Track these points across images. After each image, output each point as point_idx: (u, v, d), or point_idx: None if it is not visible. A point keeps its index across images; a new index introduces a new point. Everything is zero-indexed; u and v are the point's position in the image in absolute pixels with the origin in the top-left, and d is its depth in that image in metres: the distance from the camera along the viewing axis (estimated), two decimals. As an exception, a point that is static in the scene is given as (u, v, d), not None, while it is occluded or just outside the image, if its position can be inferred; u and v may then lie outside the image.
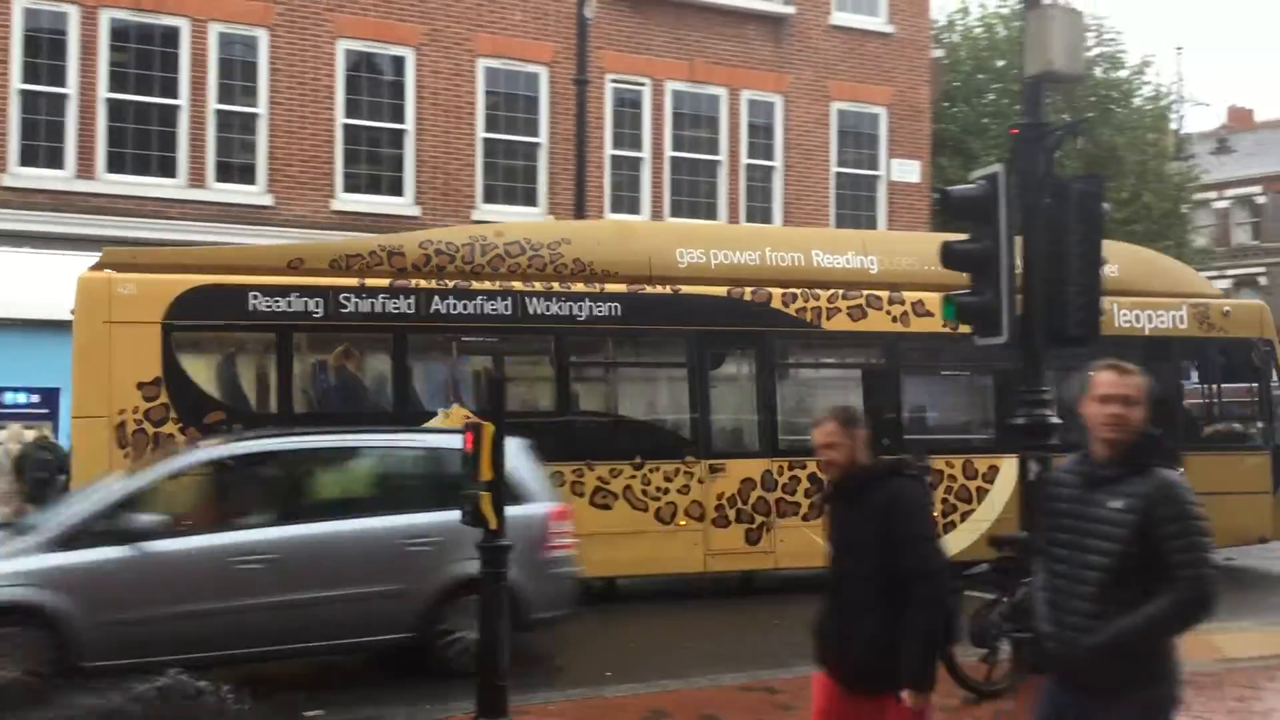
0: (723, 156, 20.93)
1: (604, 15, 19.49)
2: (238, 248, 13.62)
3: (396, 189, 18.61)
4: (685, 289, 12.75)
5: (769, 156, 21.39)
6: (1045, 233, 9.01)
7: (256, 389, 11.85)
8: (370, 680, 8.97)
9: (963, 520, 13.18)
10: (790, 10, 21.41)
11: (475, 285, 12.07)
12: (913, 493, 4.30)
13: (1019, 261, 9.08)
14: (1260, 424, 14.96)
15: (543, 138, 19.40)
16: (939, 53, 24.95)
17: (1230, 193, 46.24)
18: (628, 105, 20.25)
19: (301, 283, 11.47)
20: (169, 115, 17.35)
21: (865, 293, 13.39)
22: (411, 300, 11.81)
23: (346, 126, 18.28)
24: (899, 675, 4.10)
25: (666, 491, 12.35)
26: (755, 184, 21.31)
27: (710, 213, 20.73)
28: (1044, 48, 8.70)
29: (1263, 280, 45.46)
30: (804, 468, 12.61)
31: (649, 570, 11.58)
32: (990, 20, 30.70)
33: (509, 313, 12.08)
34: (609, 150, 19.92)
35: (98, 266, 11.20)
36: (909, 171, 22.30)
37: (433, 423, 11.54)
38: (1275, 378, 14.89)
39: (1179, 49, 32.41)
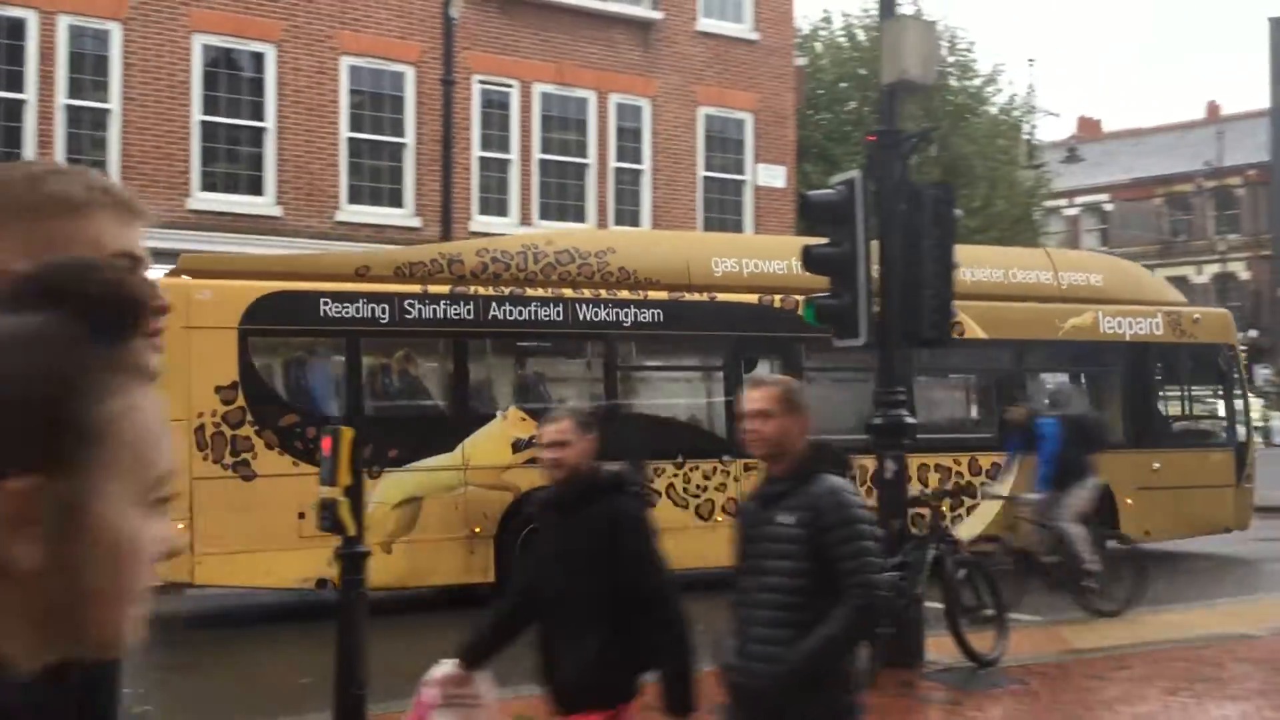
0: (591, 160, 20.93)
1: (470, 16, 19.32)
2: (308, 255, 13.81)
3: (257, 188, 18.13)
4: (721, 296, 13.29)
5: (637, 160, 21.47)
6: (901, 237, 9.22)
7: (328, 391, 12.12)
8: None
9: (968, 512, 13.86)
10: (657, 15, 21.53)
11: (529, 292, 12.53)
12: (637, 509, 4.06)
13: (877, 265, 9.29)
14: (1225, 422, 16.09)
15: (409, 138, 19.13)
16: (803, 60, 25.36)
17: (1080, 200, 48.03)
18: (495, 107, 20.11)
19: (368, 289, 11.79)
20: (15, 110, 16.64)
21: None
22: (470, 306, 12.23)
23: (203, 123, 17.76)
24: (614, 696, 3.84)
25: (705, 489, 12.85)
26: (624, 187, 21.36)
27: (579, 215, 20.72)
28: (899, 56, 8.90)
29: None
30: None
31: (689, 564, 11.42)
32: (852, 29, 31.34)
33: (560, 318, 12.61)
34: (476, 152, 19.74)
35: (174, 272, 11.28)
36: (775, 177, 22.61)
37: (490, 424, 12.10)
38: (1238, 380, 16.22)
39: (1030, 60, 33.59)
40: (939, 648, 9.21)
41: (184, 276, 11.26)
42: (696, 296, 13.13)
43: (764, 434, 3.73)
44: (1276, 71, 42.11)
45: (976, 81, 32.82)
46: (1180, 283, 45.25)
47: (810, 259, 9.39)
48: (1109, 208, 47.49)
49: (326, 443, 6.82)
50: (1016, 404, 13.02)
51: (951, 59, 32.59)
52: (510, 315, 12.40)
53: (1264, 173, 42.81)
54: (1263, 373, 41.20)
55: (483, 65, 19.87)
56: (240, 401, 11.15)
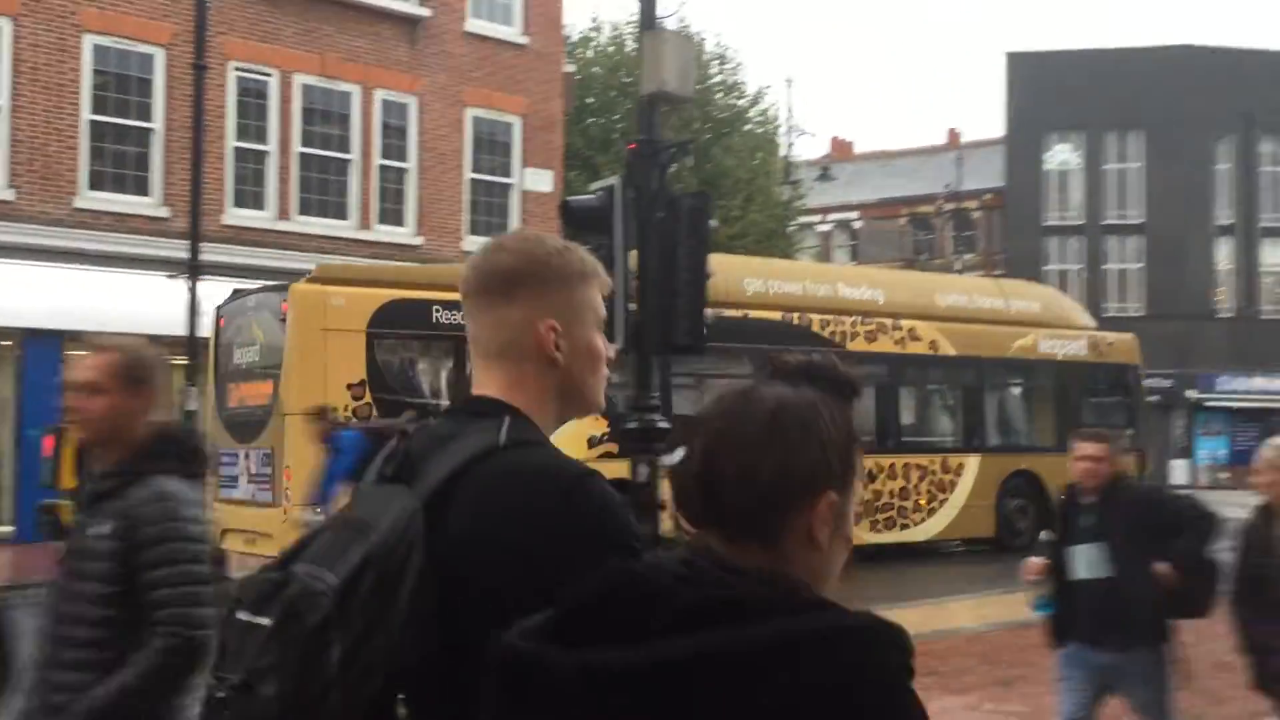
0: (355, 156, 20.44)
1: (228, 0, 18.57)
2: (423, 267, 15.67)
3: (-14, 170, 16.89)
4: (751, 313, 15.34)
5: (403, 158, 21.10)
6: (658, 245, 9.38)
7: (439, 389, 13.54)
8: None
9: (940, 506, 16.86)
10: (425, 13, 21.22)
11: None
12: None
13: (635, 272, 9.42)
14: (1130, 430, 18.21)
15: (158, 124, 18.19)
16: (572, 67, 25.50)
17: (832, 217, 50.07)
18: (253, 96, 19.37)
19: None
20: None
21: (876, 320, 16.69)
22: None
23: (-74, 97, 16.40)
24: None
25: None
26: (388, 185, 20.95)
27: (340, 212, 20.20)
28: (658, 68, 9.05)
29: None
30: None
31: None
32: (621, 38, 31.75)
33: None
34: (231, 142, 18.96)
35: (312, 279, 13.00)
36: (542, 181, 22.65)
37: (569, 422, 12.56)
38: (1139, 394, 19.54)
39: (789, 81, 34.72)
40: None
41: (319, 284, 12.91)
42: (732, 313, 14.81)
43: (88, 413, 2.90)
44: (1011, 102, 45.09)
45: (742, 102, 33.79)
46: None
47: (568, 264, 9.42)
48: (858, 225, 49.75)
49: (48, 443, 6.39)
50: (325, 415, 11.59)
51: (719, 77, 33.49)
52: None
53: (998, 197, 45.77)
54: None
55: (240, 52, 19.10)
56: (367, 398, 12.70)
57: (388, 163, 20.88)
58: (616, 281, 9.18)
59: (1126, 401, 19.24)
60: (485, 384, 1.74)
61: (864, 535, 15.37)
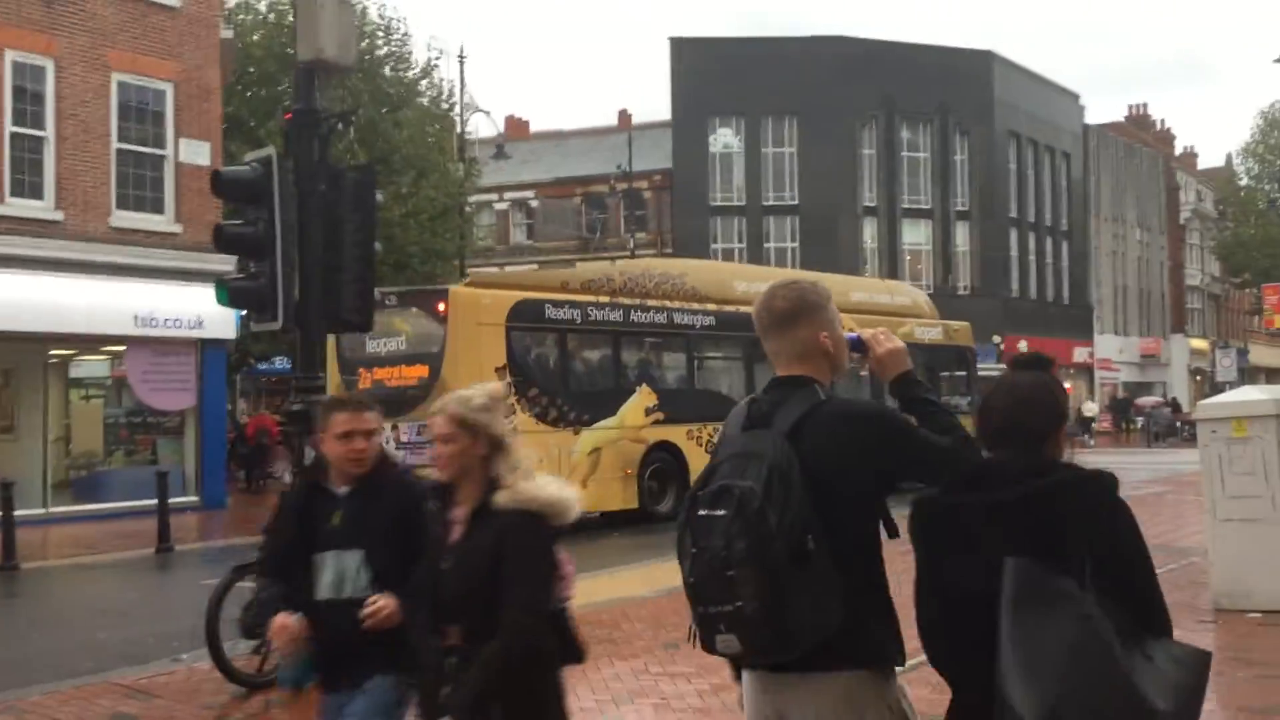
0: (-20, 121, 18.57)
1: None
2: (540, 272, 19.02)
3: None
4: (743, 308, 16.99)
5: (39, 126, 19.37)
6: (321, 219, 8.99)
7: (551, 371, 17.47)
8: None
9: None
10: (62, -32, 19.51)
11: (642, 302, 18.67)
12: None
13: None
14: (967, 398, 23.06)
15: None
16: (230, 33, 24.16)
17: (509, 195, 50.16)
18: None
19: (567, 298, 17.68)
20: None
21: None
22: (620, 312, 18.28)
23: None
24: None
25: None
26: (23, 154, 19.19)
27: (-34, 183, 18.30)
28: (315, 35, 8.66)
29: (536, 276, 50.00)
30: None
31: None
32: (282, 6, 30.41)
33: (664, 321, 18.96)
34: None
35: (469, 283, 17.57)
36: (198, 153, 21.38)
37: (632, 398, 18.04)
38: (975, 370, 24.83)
39: (462, 56, 34.37)
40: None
41: (473, 287, 17.36)
42: (735, 308, 18.68)
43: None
44: (676, 87, 46.59)
45: (412, 74, 33.15)
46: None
47: (222, 238, 8.91)
48: (534, 204, 50.08)
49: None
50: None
51: (386, 49, 32.70)
52: (640, 319, 18.65)
53: (667, 178, 47.30)
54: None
55: None
56: (507, 378, 15.64)
57: (21, 130, 19.11)
58: (276, 256, 8.75)
59: (966, 376, 24.54)
60: (790, 369, 2.94)
61: None
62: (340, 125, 9.91)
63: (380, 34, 32.44)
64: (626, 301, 18.42)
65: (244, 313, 11.23)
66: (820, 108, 46.30)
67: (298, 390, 9.12)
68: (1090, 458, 33.51)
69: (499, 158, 34.86)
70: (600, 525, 16.81)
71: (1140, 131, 67.83)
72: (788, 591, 2.61)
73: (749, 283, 20.29)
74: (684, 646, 8.53)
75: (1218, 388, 51.69)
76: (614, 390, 18.08)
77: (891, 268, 47.14)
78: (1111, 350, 58.10)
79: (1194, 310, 69.77)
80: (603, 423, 17.64)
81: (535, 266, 49.60)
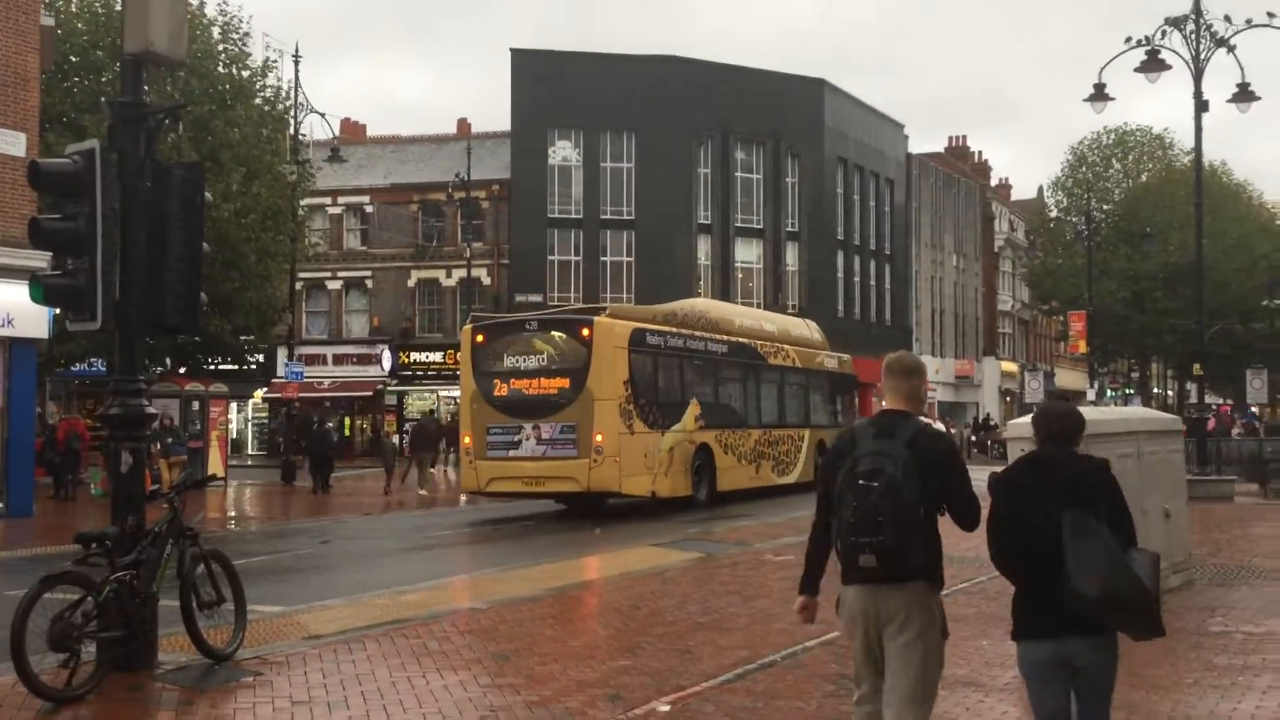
0: None
1: None
2: (649, 308, 24.83)
3: None
4: (741, 340, 26.10)
5: None
6: (145, 217, 8.62)
7: (650, 385, 21.94)
8: None
9: (796, 461, 27.54)
10: None
11: (692, 333, 24.04)
12: None
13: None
14: (854, 419, 28.34)
15: None
16: (50, 20, 23.02)
17: (343, 200, 49.15)
18: None
19: (664, 329, 23.02)
20: None
21: (775, 345, 27.76)
22: (682, 340, 23.38)
23: None
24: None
25: (785, 445, 26.93)
26: None
27: None
28: (144, 26, 8.30)
29: (369, 283, 49.03)
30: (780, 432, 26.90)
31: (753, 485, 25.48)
32: (109, -6, 29.20)
33: (723, 349, 24.95)
34: None
35: (610, 314, 22.03)
36: (13, 144, 20.27)
37: (689, 408, 23.05)
38: (855, 396, 32.00)
39: (297, 56, 33.51)
40: (175, 646, 8.78)
41: (611, 318, 21.69)
42: (739, 340, 25.97)
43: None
44: (516, 98, 46.46)
45: (247, 74, 32.21)
46: (433, 285, 48.22)
47: (39, 232, 8.45)
48: (369, 209, 49.21)
49: None
50: None
51: (224, 46, 31.70)
52: (693, 346, 23.80)
53: (505, 188, 47.08)
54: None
55: None
56: (629, 391, 21.05)
57: None
58: (96, 254, 8.34)
59: (852, 399, 31.57)
60: (898, 405, 4.92)
61: (774, 478, 26.08)
62: (168, 120, 9.53)
63: (216, 29, 31.42)
64: (689, 333, 23.78)
65: (58, 311, 10.67)
66: (658, 126, 46.82)
67: (115, 394, 8.71)
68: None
69: (333, 160, 34.13)
70: (657, 507, 21.64)
71: (959, 162, 70.78)
72: (906, 535, 4.61)
73: (746, 319, 28.10)
74: (513, 659, 8.50)
75: (1026, 408, 54.19)
76: (680, 402, 22.82)
77: (724, 284, 47.93)
78: (929, 370, 60.31)
79: (1005, 334, 73.02)
80: (675, 427, 22.46)
81: (370, 274, 48.68)
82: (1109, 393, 64.87)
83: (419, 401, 48.25)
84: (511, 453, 20.91)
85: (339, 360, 48.64)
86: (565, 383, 20.75)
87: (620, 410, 20.79)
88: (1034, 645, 4.71)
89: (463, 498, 26.58)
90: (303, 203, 35.52)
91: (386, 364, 47.67)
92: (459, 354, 24.54)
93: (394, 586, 12.27)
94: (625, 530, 19.14)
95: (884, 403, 5.02)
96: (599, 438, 20.55)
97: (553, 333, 21.31)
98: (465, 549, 17.59)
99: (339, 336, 49.32)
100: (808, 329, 31.24)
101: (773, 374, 27.42)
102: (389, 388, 47.93)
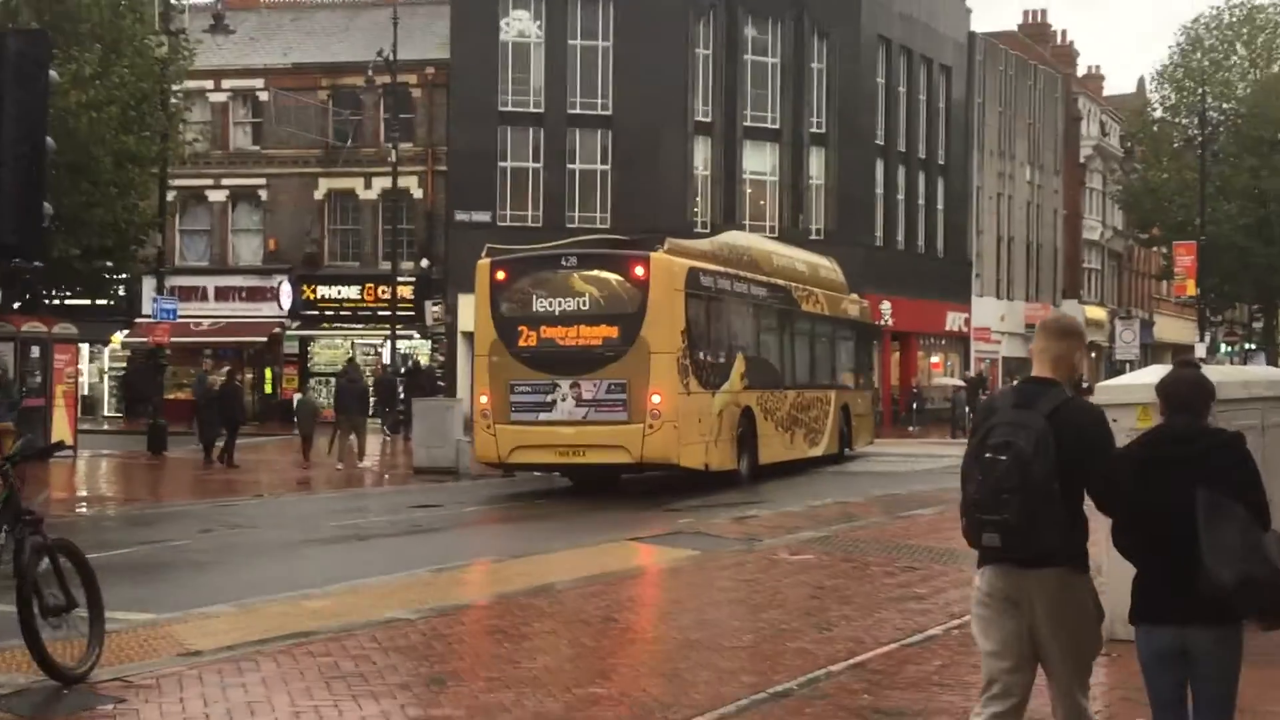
0: None
1: None
2: (693, 243, 26.64)
3: None
4: (778, 282, 28.43)
5: None
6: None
7: (703, 336, 23.53)
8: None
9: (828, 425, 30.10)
10: None
11: (753, 276, 26.58)
12: None
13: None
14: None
15: None
16: None
17: (229, 84, 48.69)
18: None
19: (718, 269, 24.75)
20: None
21: (807, 289, 29.94)
22: (733, 283, 25.20)
23: None
24: None
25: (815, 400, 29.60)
26: None
27: None
28: None
29: (264, 195, 48.72)
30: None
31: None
32: None
33: (763, 293, 27.09)
34: None
35: (669, 250, 22.99)
36: None
37: (735, 365, 24.73)
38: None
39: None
40: (11, 664, 8.77)
41: (670, 255, 22.91)
42: (774, 281, 28.06)
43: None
44: (459, -45, 46.03)
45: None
46: (347, 199, 48.01)
47: None
48: (264, 97, 48.74)
49: None
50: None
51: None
52: (744, 290, 25.87)
53: (442, 73, 46.69)
54: (433, 310, 45.18)
55: None
56: (685, 344, 22.43)
57: None
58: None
59: (872, 356, 36.05)
60: (1044, 371, 5.70)
61: (806, 449, 28.09)
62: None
63: None
64: (736, 273, 25.37)
65: None
66: (644, -8, 46.51)
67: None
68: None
69: (217, 32, 33.89)
70: (648, 487, 23.36)
71: (1036, 45, 70.68)
72: (1036, 514, 5.27)
73: (780, 256, 29.84)
74: (451, 684, 8.53)
75: (1116, 367, 54.55)
76: (728, 357, 24.39)
77: (728, 201, 47.86)
78: (991, 317, 60.52)
79: (1091, 271, 73.32)
80: (724, 386, 23.91)
81: (265, 182, 48.40)
82: (1224, 348, 65.35)
83: (327, 350, 48.14)
84: (543, 416, 21.99)
85: (223, 295, 48.43)
86: (613, 331, 21.95)
87: (678, 366, 22.02)
88: (1153, 631, 5.42)
89: (385, 477, 26.55)
90: (176, 88, 35.19)
91: (286, 300, 47.50)
92: (468, 298, 26.51)
93: (298, 589, 12.29)
94: (599, 519, 19.25)
95: (1032, 369, 5.79)
96: (656, 398, 21.68)
97: (598, 271, 22.49)
98: (392, 541, 17.69)
99: (223, 264, 49.08)
100: (831, 268, 33.32)
101: (805, 324, 29.33)
102: (289, 331, 47.80)
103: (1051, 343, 5.74)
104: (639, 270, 22.01)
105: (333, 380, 39.16)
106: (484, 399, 22.41)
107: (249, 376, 48.35)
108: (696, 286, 23.12)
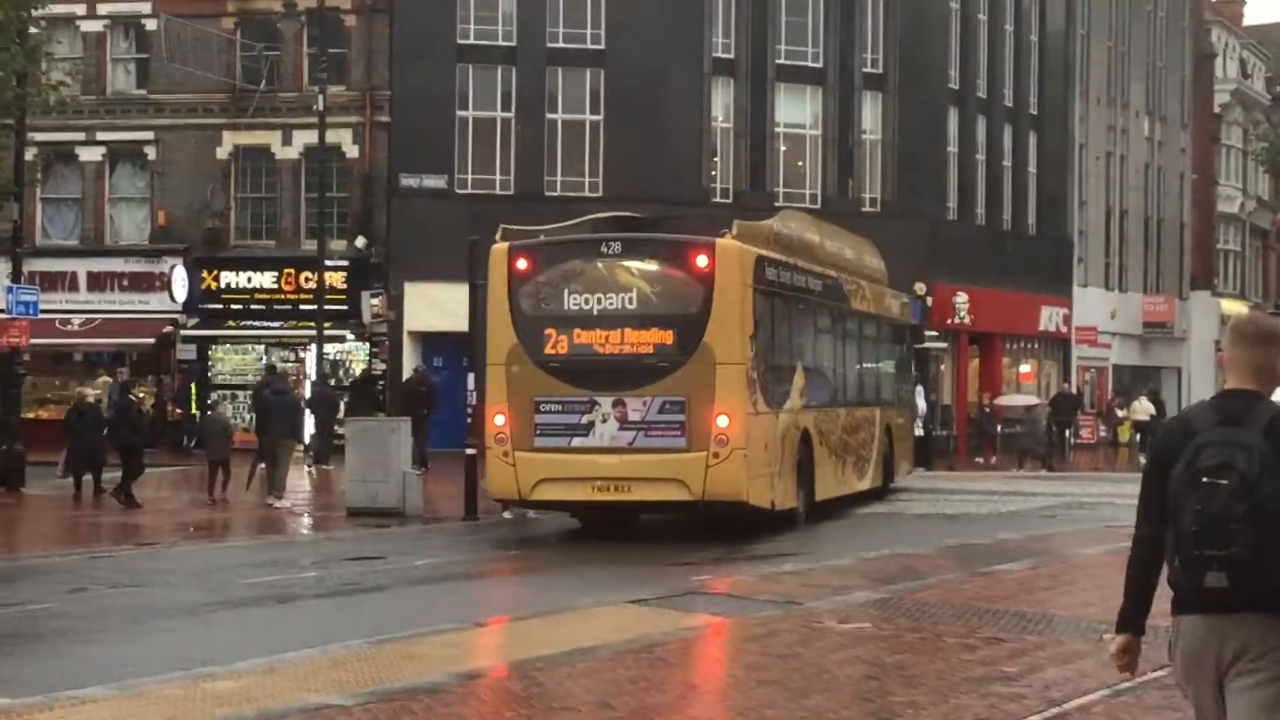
0: None
1: None
2: (753, 225, 25.36)
3: None
4: (831, 274, 29.04)
5: None
6: None
7: (771, 345, 24.76)
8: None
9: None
10: None
11: (811, 267, 27.50)
12: None
13: None
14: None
15: None
16: None
17: (107, 9, 48.60)
18: None
19: (783, 259, 25.37)
20: None
21: (855, 281, 30.98)
22: (805, 279, 26.64)
23: None
24: None
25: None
26: None
27: None
28: None
29: (151, 153, 48.63)
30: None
31: None
32: None
33: (819, 289, 27.83)
34: None
35: (737, 234, 23.46)
36: None
37: (795, 379, 25.58)
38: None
39: None
40: None
41: (739, 241, 23.36)
42: (824, 271, 28.48)
43: None
44: None
45: None
46: (260, 157, 47.96)
47: None
48: (151, 26, 48.68)
49: None
50: None
51: None
52: (804, 284, 26.78)
53: (384, -4, 46.69)
54: (372, 303, 45.01)
55: None
56: (754, 352, 23.04)
57: None
58: None
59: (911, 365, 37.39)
60: (1244, 383, 5.94)
61: (855, 482, 28.95)
62: None
63: None
64: (797, 264, 26.05)
65: None
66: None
67: None
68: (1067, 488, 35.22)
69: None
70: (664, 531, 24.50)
71: (1157, -39, 70.73)
72: (1267, 546, 5.46)
73: (830, 241, 30.14)
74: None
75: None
76: (788, 368, 25.38)
77: (756, 162, 47.89)
78: (1099, 314, 60.45)
79: (1229, 254, 73.35)
80: (786, 405, 24.76)
81: (153, 137, 48.38)
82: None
83: (233, 356, 48.08)
84: (576, 441, 22.34)
85: (99, 283, 48.35)
86: (666, 336, 22.46)
87: (747, 380, 22.53)
88: None
89: (310, 521, 26.52)
90: (37, 13, 35.18)
91: (180, 291, 47.45)
92: (478, 284, 25.66)
93: (198, 666, 12.24)
94: (590, 574, 19.21)
95: (1227, 381, 6.08)
96: (723, 420, 21.96)
97: (649, 260, 23.05)
98: (321, 604, 17.70)
99: (99, 244, 49.01)
100: (873, 252, 34.47)
101: (854, 325, 30.65)
102: (184, 330, 47.75)
103: (1248, 350, 5.95)
104: (702, 260, 22.36)
105: (240, 396, 39.18)
106: (500, 419, 22.54)
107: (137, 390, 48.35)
108: (763, 281, 23.69)
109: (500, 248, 22.94)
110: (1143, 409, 51.48)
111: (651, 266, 22.85)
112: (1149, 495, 5.96)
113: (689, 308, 22.41)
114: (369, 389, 41.25)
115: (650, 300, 22.56)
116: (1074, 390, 52.38)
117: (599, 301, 22.41)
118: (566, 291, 22.61)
